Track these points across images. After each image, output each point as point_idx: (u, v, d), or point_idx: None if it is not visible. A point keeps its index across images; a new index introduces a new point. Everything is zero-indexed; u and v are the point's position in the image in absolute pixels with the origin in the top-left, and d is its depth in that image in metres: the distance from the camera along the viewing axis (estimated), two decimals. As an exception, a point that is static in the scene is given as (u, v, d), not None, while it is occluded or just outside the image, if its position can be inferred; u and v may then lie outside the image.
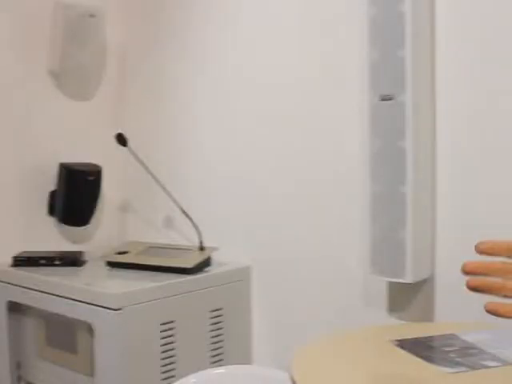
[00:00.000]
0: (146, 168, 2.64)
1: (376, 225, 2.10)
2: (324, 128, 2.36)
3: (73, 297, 2.28)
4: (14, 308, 2.55)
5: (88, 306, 2.22)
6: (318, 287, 2.40)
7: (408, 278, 2.05)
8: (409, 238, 2.04)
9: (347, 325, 2.32)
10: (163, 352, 2.28)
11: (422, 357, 1.60)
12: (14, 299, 2.51)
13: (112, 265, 2.57)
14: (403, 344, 1.71)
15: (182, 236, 2.81)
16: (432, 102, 2.09)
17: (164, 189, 2.64)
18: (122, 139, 2.67)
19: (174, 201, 2.63)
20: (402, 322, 2.20)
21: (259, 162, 2.55)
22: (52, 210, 2.80)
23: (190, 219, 2.61)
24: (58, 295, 2.33)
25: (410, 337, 1.77)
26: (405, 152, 2.01)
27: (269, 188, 2.53)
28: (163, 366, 2.29)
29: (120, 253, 2.61)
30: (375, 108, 2.07)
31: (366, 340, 1.79)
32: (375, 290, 2.26)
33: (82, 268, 2.57)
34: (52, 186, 2.79)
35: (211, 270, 2.49)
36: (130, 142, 2.73)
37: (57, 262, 2.58)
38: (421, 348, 1.68)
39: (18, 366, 2.61)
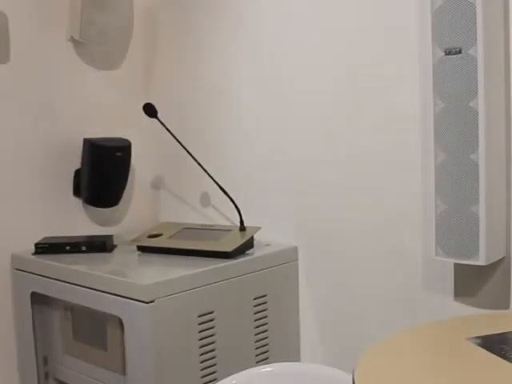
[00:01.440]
0: (179, 141, 2.39)
1: (441, 199, 1.82)
2: (378, 89, 2.07)
3: (100, 288, 2.04)
4: (39, 299, 2.33)
5: (117, 298, 1.99)
6: (375, 270, 2.13)
7: (481, 260, 1.77)
8: (482, 213, 1.75)
9: (408, 313, 2.06)
10: (202, 347, 2.04)
11: (510, 359, 1.33)
12: (37, 290, 2.29)
13: (143, 249, 2.33)
14: (484, 342, 1.44)
15: (221, 215, 2.56)
16: (506, 56, 1.79)
17: (199, 164, 2.38)
18: (150, 110, 2.41)
19: (211, 176, 2.37)
20: (473, 309, 1.92)
21: (305, 130, 2.28)
22: (77, 191, 2.56)
23: (229, 196, 2.35)
24: (83, 286, 2.10)
25: (489, 332, 1.50)
26: (476, 114, 1.72)
27: (316, 158, 2.25)
28: (202, 362, 2.05)
29: (152, 236, 2.36)
30: (439, 63, 1.77)
31: (438, 338, 1.51)
32: (440, 274, 1.99)
33: (110, 254, 2.33)
34: (77, 164, 2.55)
35: (253, 253, 2.24)
36: (161, 113, 2.47)
37: (83, 248, 2.34)
38: (507, 347, 1.41)
39: (44, 361, 2.39)
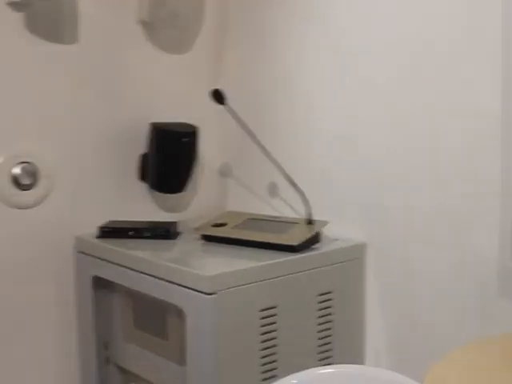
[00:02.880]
0: (247, 129, 2.32)
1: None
2: (456, 88, 1.96)
3: (161, 276, 2.00)
4: (101, 283, 2.31)
5: (178, 287, 1.94)
6: (446, 274, 2.03)
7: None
8: None
9: (480, 321, 1.95)
10: (263, 342, 1.98)
11: None
12: (99, 274, 2.26)
13: (207, 238, 2.28)
14: None
15: (288, 207, 2.49)
16: None
17: (267, 153, 2.31)
18: (218, 96, 2.35)
19: (279, 167, 2.30)
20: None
21: (376, 126, 2.19)
22: (143, 175, 2.52)
23: (297, 188, 2.28)
24: (145, 273, 2.06)
25: None
26: None
27: (388, 155, 2.16)
28: (263, 357, 1.99)
29: (217, 225, 2.31)
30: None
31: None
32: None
33: (174, 241, 2.29)
34: (142, 149, 2.52)
35: (320, 248, 2.16)
36: (230, 100, 2.41)
37: (147, 234, 2.31)
38: None
39: (105, 346, 2.37)
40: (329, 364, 2.15)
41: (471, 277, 1.97)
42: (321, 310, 2.13)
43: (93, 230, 2.36)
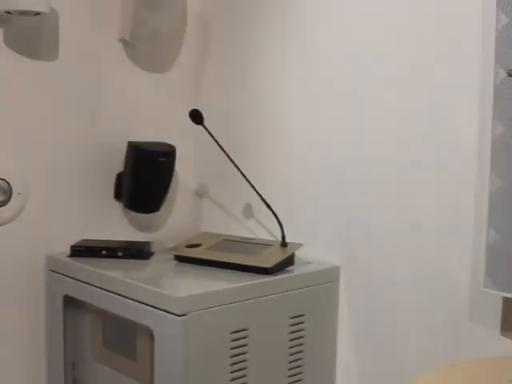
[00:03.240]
0: (224, 151, 2.32)
1: (494, 227, 1.72)
2: (434, 110, 1.97)
3: (132, 296, 1.98)
4: (71, 302, 2.28)
5: (148, 308, 1.92)
6: (419, 297, 2.03)
7: (532, 296, 1.67)
8: (536, 246, 1.65)
9: (451, 344, 1.95)
10: (233, 364, 1.97)
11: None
12: (70, 293, 2.24)
13: (180, 259, 2.27)
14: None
15: (263, 228, 2.49)
16: None
17: (242, 174, 2.31)
18: (196, 116, 2.35)
19: (254, 188, 2.30)
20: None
21: (350, 150, 2.19)
22: (119, 194, 2.51)
23: (272, 210, 2.28)
24: (116, 293, 2.04)
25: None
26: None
27: (362, 177, 2.16)
28: (232, 380, 1.97)
29: (191, 246, 2.30)
30: (501, 85, 1.68)
31: (480, 377, 1.41)
32: (487, 306, 1.88)
33: (147, 261, 2.27)
34: (119, 167, 2.50)
35: (294, 271, 2.15)
36: (208, 121, 2.41)
37: (120, 254, 2.29)
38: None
39: (73, 366, 2.34)
40: (298, 387, 2.15)
41: (444, 300, 1.97)
42: (293, 332, 2.12)
43: (66, 248, 2.33)
